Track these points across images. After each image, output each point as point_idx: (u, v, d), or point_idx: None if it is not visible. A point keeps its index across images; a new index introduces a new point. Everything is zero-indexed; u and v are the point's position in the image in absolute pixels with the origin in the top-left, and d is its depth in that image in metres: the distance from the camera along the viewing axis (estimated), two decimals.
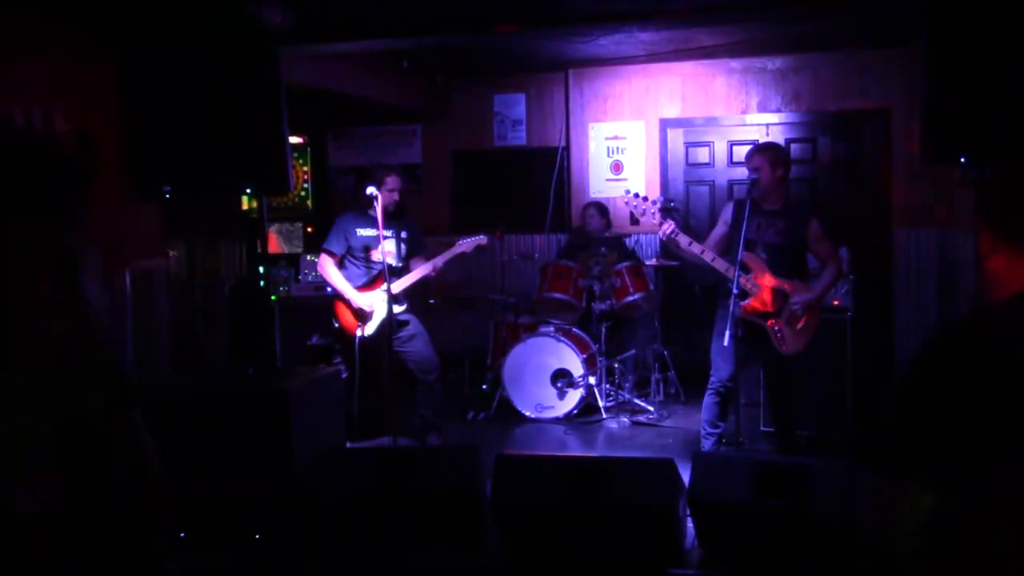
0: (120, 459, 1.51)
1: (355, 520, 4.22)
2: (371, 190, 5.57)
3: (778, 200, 5.25)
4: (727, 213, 5.43)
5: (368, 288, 5.88)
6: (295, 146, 8.93)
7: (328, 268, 5.92)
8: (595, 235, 7.41)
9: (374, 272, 5.89)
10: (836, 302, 6.14)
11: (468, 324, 7.93)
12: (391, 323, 5.68)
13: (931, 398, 1.52)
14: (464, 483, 4.17)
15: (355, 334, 5.83)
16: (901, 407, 1.59)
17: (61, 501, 1.40)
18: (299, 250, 8.62)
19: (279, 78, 4.64)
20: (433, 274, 5.97)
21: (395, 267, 5.85)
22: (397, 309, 5.79)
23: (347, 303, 5.87)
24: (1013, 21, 3.81)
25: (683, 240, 5.11)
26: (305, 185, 9.19)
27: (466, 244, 6.03)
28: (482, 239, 6.09)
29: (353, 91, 7.44)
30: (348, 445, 5.53)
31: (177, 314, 6.04)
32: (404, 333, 5.91)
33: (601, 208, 7.61)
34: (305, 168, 9.18)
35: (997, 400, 1.42)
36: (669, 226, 5.11)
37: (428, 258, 5.99)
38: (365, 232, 5.89)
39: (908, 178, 7.68)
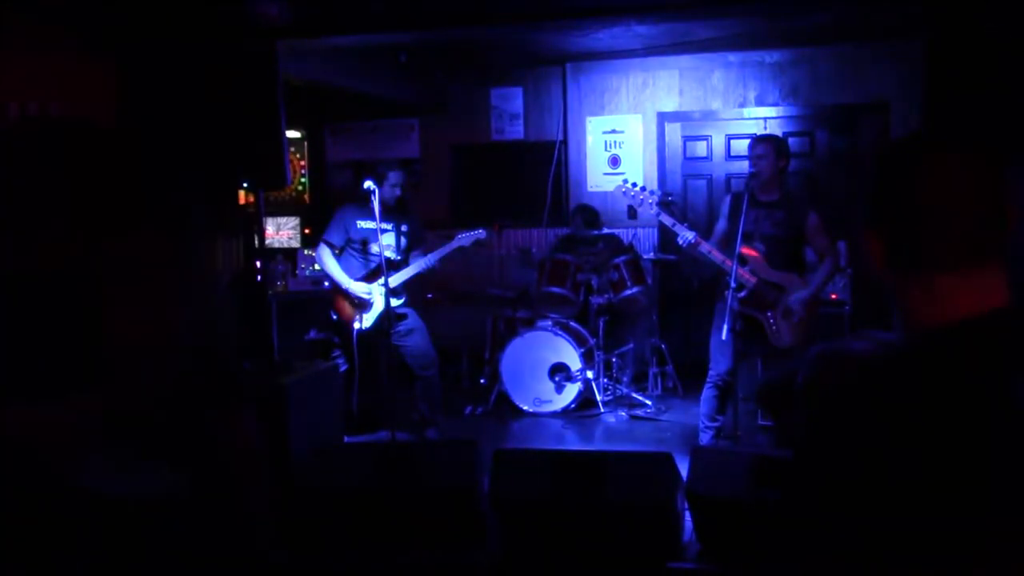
0: (230, 452, 1.52)
1: (352, 515, 4.22)
2: (368, 184, 5.60)
3: (776, 192, 5.26)
4: (725, 206, 5.46)
5: (367, 280, 5.90)
6: (292, 140, 8.91)
7: (327, 259, 5.93)
8: (587, 234, 7.41)
9: (373, 265, 5.90)
10: (834, 296, 6.15)
11: (466, 318, 7.93)
12: (389, 316, 5.69)
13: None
14: (462, 478, 4.17)
15: (353, 327, 5.85)
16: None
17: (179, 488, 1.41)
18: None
19: (276, 72, 4.64)
20: (430, 269, 5.98)
21: (394, 260, 5.86)
22: (395, 302, 5.80)
23: (345, 294, 5.88)
24: (1012, 14, 3.80)
25: (704, 247, 5.13)
26: (302, 179, 9.18)
27: (464, 239, 6.04)
28: (481, 234, 6.10)
29: (351, 85, 7.43)
30: (347, 440, 5.54)
31: None
32: (402, 327, 5.92)
33: (587, 212, 7.59)
34: (302, 162, 9.16)
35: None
36: (691, 234, 5.13)
37: (427, 252, 6.00)
38: (365, 224, 5.90)
39: None
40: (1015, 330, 1.16)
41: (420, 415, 6.06)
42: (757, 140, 5.30)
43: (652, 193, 5.38)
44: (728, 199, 5.50)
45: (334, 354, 6.13)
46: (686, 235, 5.16)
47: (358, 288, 5.85)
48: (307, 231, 8.75)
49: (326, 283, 6.13)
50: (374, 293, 5.85)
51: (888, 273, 1.26)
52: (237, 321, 7.05)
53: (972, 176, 1.20)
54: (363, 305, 5.88)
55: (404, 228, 6.00)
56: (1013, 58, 3.76)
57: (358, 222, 5.93)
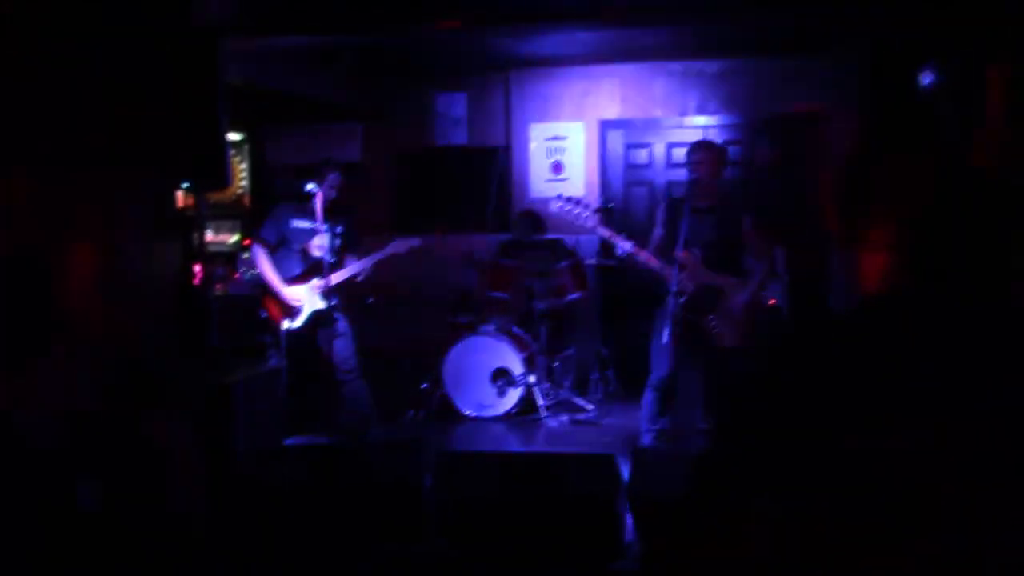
0: (162, 451, 1.51)
1: (298, 515, 4.19)
2: (311, 186, 5.61)
3: (712, 198, 5.35)
4: (660, 213, 5.53)
5: (299, 281, 5.91)
6: (233, 143, 8.82)
7: (260, 257, 5.91)
8: (530, 241, 7.44)
9: (307, 264, 5.91)
10: (772, 301, 6.25)
11: (408, 323, 7.91)
12: (329, 317, 5.72)
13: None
14: (405, 478, 4.17)
15: (281, 326, 5.85)
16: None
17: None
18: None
19: (218, 71, 4.59)
20: (362, 275, 5.99)
21: (328, 262, 5.86)
22: (325, 304, 5.82)
23: (275, 295, 5.88)
24: (941, 28, 3.92)
25: (642, 257, 5.19)
26: (242, 182, 9.08)
27: (399, 245, 6.06)
28: (415, 242, 6.11)
29: (293, 88, 7.38)
30: (286, 442, 5.50)
31: None
32: (333, 330, 5.92)
33: (530, 216, 7.63)
34: (243, 165, 9.07)
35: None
36: (629, 244, 5.18)
37: (361, 256, 6.01)
38: (300, 224, 5.91)
39: None
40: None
41: (351, 419, 6.06)
42: (695, 146, 5.37)
43: (588, 206, 5.43)
44: (663, 206, 5.57)
45: (268, 354, 6.09)
46: (624, 246, 5.22)
47: (288, 293, 5.86)
48: (245, 242, 8.66)
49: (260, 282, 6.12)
50: (304, 296, 5.86)
51: (844, 249, 1.42)
52: (176, 324, 6.97)
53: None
54: (292, 308, 5.88)
55: (339, 230, 5.99)
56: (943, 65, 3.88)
57: (293, 221, 5.93)
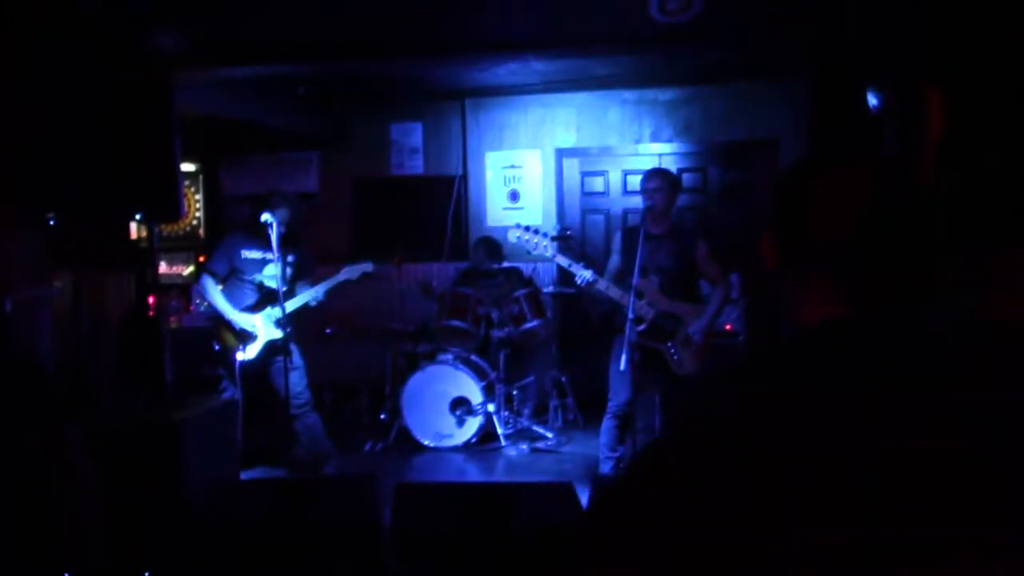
0: (54, 473, 1.48)
1: (250, 553, 4.13)
2: (266, 216, 5.57)
3: (666, 224, 5.39)
4: (616, 242, 5.56)
5: (253, 310, 5.87)
6: (187, 173, 8.75)
7: (209, 288, 5.87)
8: (488, 268, 7.44)
9: (260, 295, 5.88)
10: (728, 326, 6.29)
11: (366, 353, 7.86)
12: (284, 346, 5.67)
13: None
14: (363, 513, 4.12)
15: (235, 357, 5.79)
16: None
17: None
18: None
19: (171, 102, 4.56)
20: (314, 302, 5.97)
21: (279, 291, 5.82)
22: (280, 334, 5.77)
23: (228, 324, 5.83)
24: (884, 51, 3.99)
25: (602, 284, 5.20)
26: (197, 213, 9.00)
27: (350, 271, 6.06)
28: (367, 266, 6.12)
29: (248, 117, 7.34)
30: (242, 477, 5.42)
31: (61, 346, 5.85)
32: (284, 362, 5.86)
33: (489, 244, 7.63)
34: (197, 196, 8.99)
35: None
36: (588, 273, 5.20)
37: (314, 283, 5.99)
38: (250, 254, 5.88)
39: None
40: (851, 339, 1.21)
41: (306, 452, 6.00)
42: (650, 174, 5.41)
43: (546, 235, 5.45)
44: (619, 234, 5.60)
45: (222, 386, 6.02)
46: (583, 274, 5.23)
47: (242, 320, 5.81)
48: (201, 259, 8.57)
49: (212, 314, 6.05)
50: (258, 324, 5.82)
51: (778, 274, 1.34)
52: (121, 357, 6.88)
53: (856, 191, 1.28)
54: (246, 336, 5.83)
55: (291, 259, 5.97)
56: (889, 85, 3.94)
57: (243, 252, 5.90)
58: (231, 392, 5.87)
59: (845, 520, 0.95)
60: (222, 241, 6.05)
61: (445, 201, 8.59)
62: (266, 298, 5.81)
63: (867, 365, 1.14)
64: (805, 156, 1.41)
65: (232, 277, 5.92)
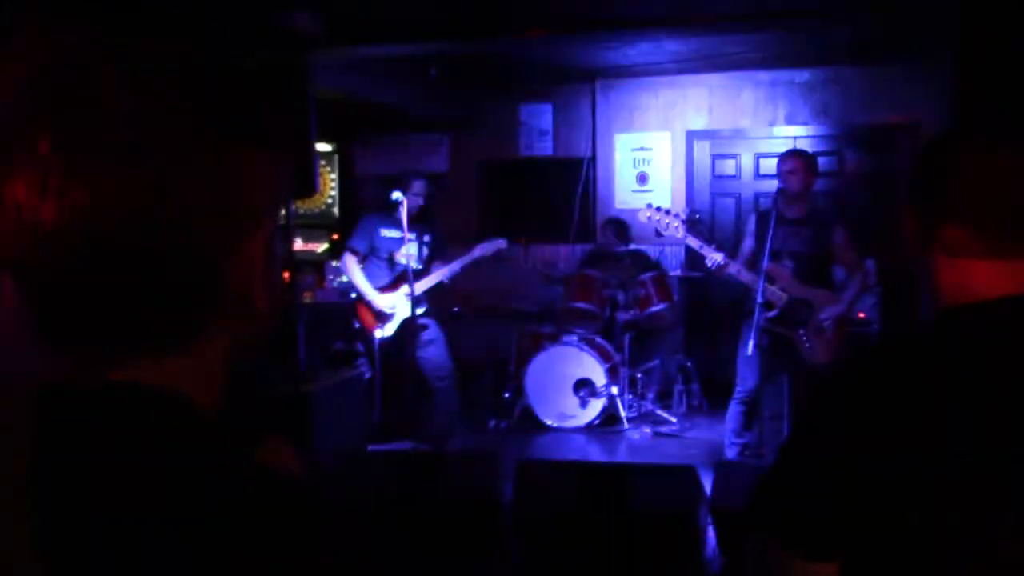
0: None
1: (373, 525, 4.23)
2: (397, 195, 5.66)
3: (803, 209, 5.23)
4: (751, 224, 5.44)
5: (390, 289, 5.95)
6: (322, 154, 8.98)
7: (351, 266, 5.98)
8: (614, 250, 7.40)
9: (396, 273, 5.96)
10: (862, 315, 6.10)
11: (492, 333, 7.93)
12: (414, 325, 5.75)
13: (827, 448, 1.17)
14: (483, 490, 4.17)
15: (375, 335, 5.90)
16: (789, 458, 1.24)
17: None
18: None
19: (307, 81, 4.68)
20: (449, 279, 6.03)
21: (416, 269, 5.91)
22: (417, 311, 5.85)
23: (368, 304, 5.94)
24: None
25: (733, 268, 5.10)
26: (332, 193, 9.23)
27: (485, 248, 6.10)
28: (501, 243, 6.14)
29: (381, 99, 7.48)
30: (370, 448, 5.55)
31: None
32: (423, 337, 5.95)
33: (618, 224, 7.58)
34: (332, 175, 9.22)
35: (906, 450, 1.10)
36: (720, 256, 5.10)
37: (447, 262, 6.05)
38: (389, 233, 5.96)
39: None
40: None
41: (438, 427, 6.08)
42: (787, 155, 5.26)
43: (677, 216, 5.37)
44: (754, 217, 5.48)
45: (358, 362, 6.17)
46: (714, 257, 5.13)
47: (381, 301, 5.90)
48: (335, 236, 8.79)
49: (352, 294, 6.18)
50: (396, 303, 5.91)
51: (922, 254, 1.26)
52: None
53: (1015, 167, 1.18)
54: (384, 315, 5.93)
55: (426, 238, 6.05)
56: None
57: (382, 231, 5.99)
58: (366, 368, 6.00)
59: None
60: (360, 221, 6.16)
61: (573, 183, 8.57)
62: (401, 276, 5.89)
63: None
64: (955, 130, 1.30)
65: (371, 255, 6.04)
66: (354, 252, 6.01)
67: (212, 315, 0.72)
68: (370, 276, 5.99)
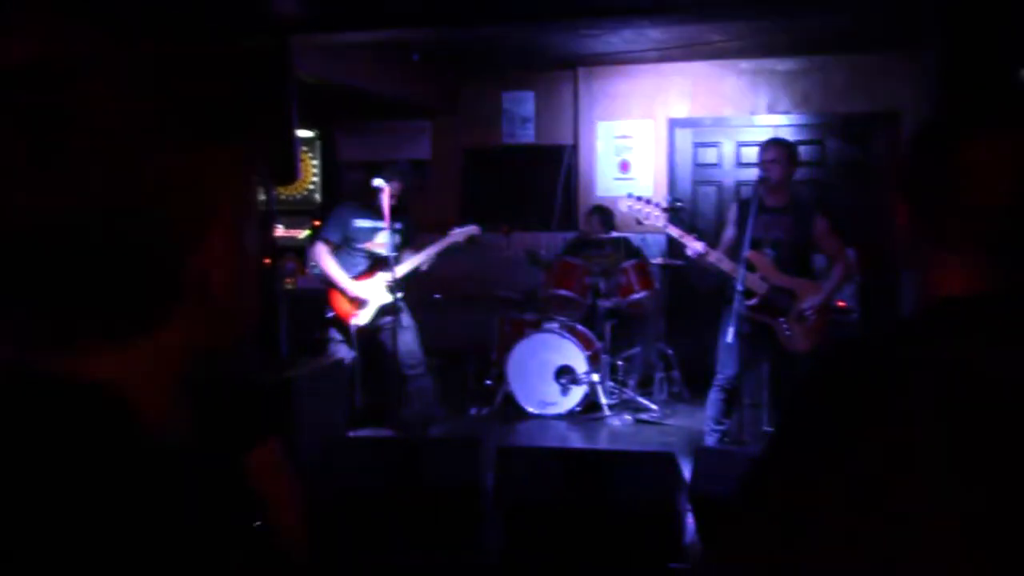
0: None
1: (355, 511, 4.23)
2: (378, 182, 5.68)
3: (784, 198, 5.25)
4: (732, 213, 5.45)
5: (364, 277, 5.98)
6: (304, 139, 8.94)
7: (324, 256, 6.00)
8: (597, 237, 7.41)
9: (371, 261, 6.00)
10: (842, 304, 6.14)
11: (473, 320, 7.93)
12: (395, 312, 5.81)
13: (811, 443, 1.13)
14: (465, 477, 4.18)
15: (351, 323, 5.93)
16: (775, 451, 1.20)
17: None
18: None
19: (289, 68, 4.67)
20: (425, 265, 6.07)
21: (391, 257, 5.94)
22: (391, 299, 5.90)
23: (342, 292, 5.97)
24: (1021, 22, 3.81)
25: (713, 257, 5.12)
26: (314, 179, 9.20)
27: (458, 234, 6.15)
28: (474, 229, 6.18)
29: (364, 85, 7.45)
30: (350, 434, 5.57)
31: None
32: (396, 324, 5.99)
33: (603, 212, 7.59)
34: (314, 161, 9.19)
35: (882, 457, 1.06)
36: (700, 245, 5.12)
37: (419, 250, 6.08)
38: (362, 223, 5.99)
39: None
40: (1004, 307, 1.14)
41: (414, 414, 6.11)
42: (768, 144, 5.27)
43: (657, 205, 5.39)
44: (735, 206, 5.49)
45: (331, 349, 6.18)
46: (694, 246, 5.15)
47: (355, 288, 5.94)
48: (316, 223, 8.76)
49: (324, 283, 6.20)
50: (370, 291, 5.94)
51: (911, 245, 1.23)
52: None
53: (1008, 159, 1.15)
54: (359, 303, 5.96)
55: (398, 226, 6.06)
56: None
57: (356, 221, 6.02)
58: (342, 355, 6.01)
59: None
60: (335, 210, 6.18)
61: (555, 171, 8.58)
62: (376, 265, 5.94)
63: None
64: (947, 119, 1.26)
65: (344, 245, 6.05)
66: (327, 242, 6.04)
67: (167, 309, 0.72)
68: (345, 265, 6.01)
